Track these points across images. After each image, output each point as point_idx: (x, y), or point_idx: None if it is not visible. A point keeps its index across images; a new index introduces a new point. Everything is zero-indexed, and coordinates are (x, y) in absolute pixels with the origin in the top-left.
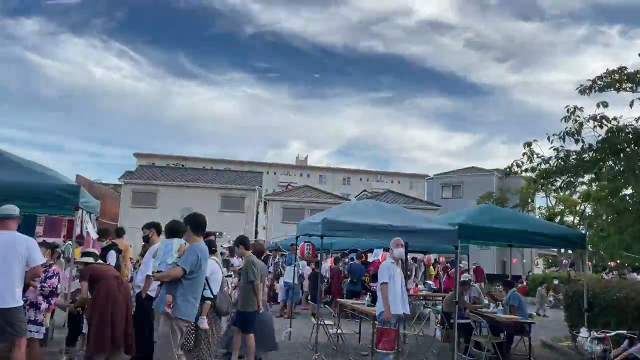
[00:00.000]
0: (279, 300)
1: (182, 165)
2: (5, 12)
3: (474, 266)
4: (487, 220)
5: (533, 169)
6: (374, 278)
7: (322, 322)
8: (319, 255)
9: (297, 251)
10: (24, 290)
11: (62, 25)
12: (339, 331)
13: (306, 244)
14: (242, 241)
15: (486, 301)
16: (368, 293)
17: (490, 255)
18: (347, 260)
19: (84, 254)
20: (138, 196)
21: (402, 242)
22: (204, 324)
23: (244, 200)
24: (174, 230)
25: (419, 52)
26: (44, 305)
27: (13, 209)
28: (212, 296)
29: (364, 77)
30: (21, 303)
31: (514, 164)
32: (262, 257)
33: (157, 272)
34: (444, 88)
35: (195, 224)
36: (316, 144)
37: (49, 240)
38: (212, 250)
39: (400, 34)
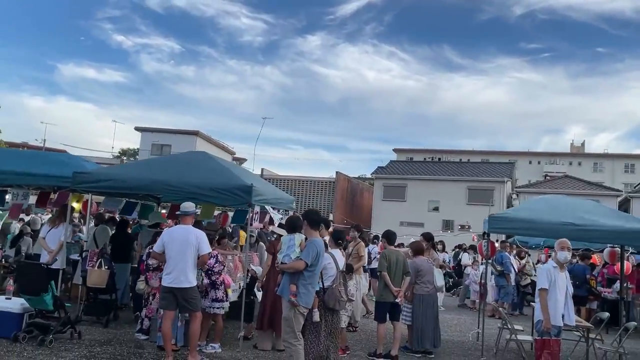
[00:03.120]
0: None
1: (439, 159)
2: (295, 32)
3: None
4: None
5: None
6: (610, 282)
7: (505, 326)
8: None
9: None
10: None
11: (339, 37)
12: (514, 337)
13: (484, 241)
14: (385, 235)
15: None
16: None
17: None
18: (574, 260)
19: (280, 225)
20: (388, 190)
21: (569, 245)
22: (316, 316)
23: (492, 193)
24: (294, 225)
25: None
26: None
27: (190, 207)
28: (317, 289)
29: None
30: (194, 284)
31: None
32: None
33: (282, 263)
34: None
35: (311, 219)
36: (600, 127)
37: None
38: (339, 243)
39: None
